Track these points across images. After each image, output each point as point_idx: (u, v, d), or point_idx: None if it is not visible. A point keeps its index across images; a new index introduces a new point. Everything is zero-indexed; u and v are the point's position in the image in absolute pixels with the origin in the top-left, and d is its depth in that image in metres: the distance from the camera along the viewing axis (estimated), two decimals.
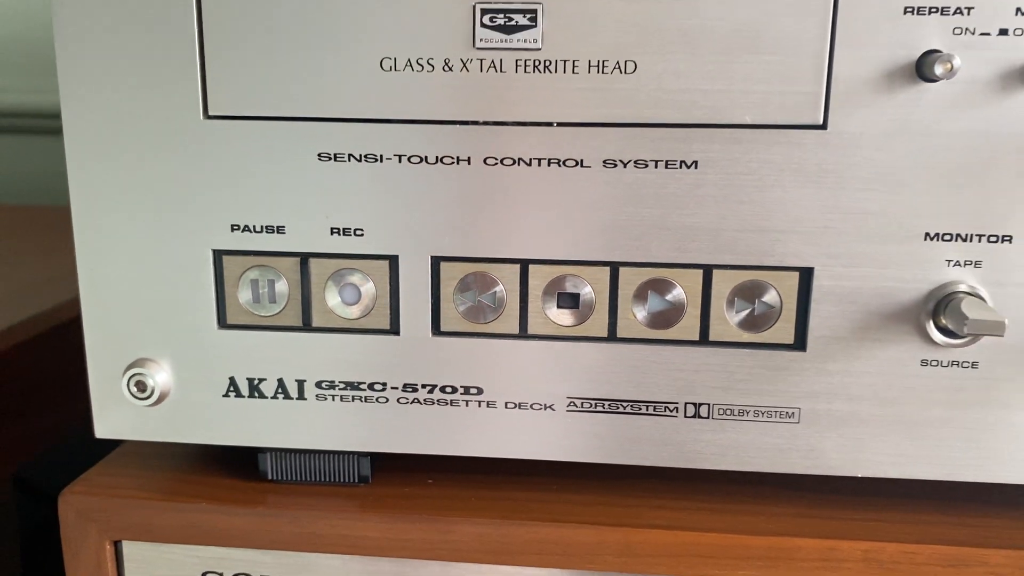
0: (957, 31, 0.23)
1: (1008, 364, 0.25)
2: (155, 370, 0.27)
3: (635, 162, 0.25)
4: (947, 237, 0.25)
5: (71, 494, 0.28)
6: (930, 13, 0.23)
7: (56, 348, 0.45)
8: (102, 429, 0.28)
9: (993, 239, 0.25)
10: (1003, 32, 0.23)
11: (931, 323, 0.25)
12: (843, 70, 0.24)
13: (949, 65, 0.23)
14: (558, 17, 0.24)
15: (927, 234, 0.25)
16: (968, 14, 0.23)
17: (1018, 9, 0.23)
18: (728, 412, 0.26)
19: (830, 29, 0.24)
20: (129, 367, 0.27)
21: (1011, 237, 0.24)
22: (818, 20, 0.24)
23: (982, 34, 0.23)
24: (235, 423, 0.28)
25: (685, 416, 0.27)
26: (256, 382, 0.27)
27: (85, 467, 0.31)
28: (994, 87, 0.24)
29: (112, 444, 0.31)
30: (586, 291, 0.26)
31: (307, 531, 0.28)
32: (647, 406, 0.27)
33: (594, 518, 0.27)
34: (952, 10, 0.23)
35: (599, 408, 0.27)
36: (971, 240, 0.25)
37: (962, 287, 0.25)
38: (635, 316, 0.26)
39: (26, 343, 0.44)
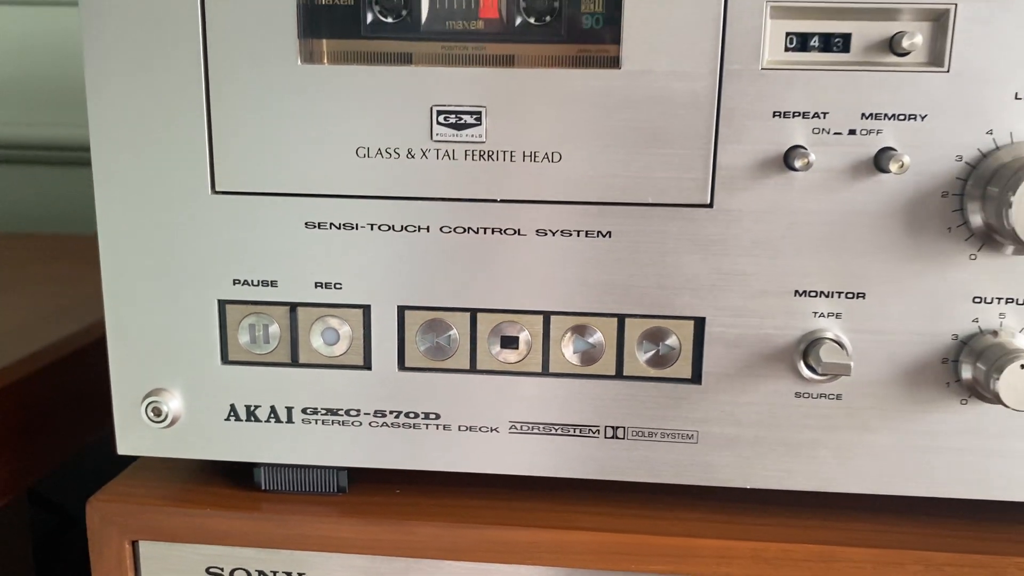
0: (816, 131, 0.29)
1: (867, 396, 0.31)
2: (168, 398, 0.33)
3: (561, 232, 0.31)
4: (813, 294, 0.31)
5: (97, 501, 0.34)
6: (794, 116, 0.29)
7: (66, 376, 0.49)
8: (124, 447, 0.34)
9: (850, 295, 0.30)
10: (852, 132, 0.29)
11: (802, 363, 0.31)
12: (725, 161, 0.30)
13: (807, 160, 0.29)
14: (499, 117, 0.30)
15: (796, 291, 0.31)
16: (824, 117, 0.29)
17: (863, 114, 0.29)
18: (639, 434, 0.32)
19: (715, 129, 0.30)
20: (147, 396, 0.33)
21: (864, 294, 0.30)
22: (705, 122, 0.30)
23: (835, 133, 0.29)
24: (234, 442, 0.34)
25: (605, 437, 0.32)
26: (252, 408, 0.33)
27: (92, 483, 0.36)
28: (847, 175, 0.30)
29: (127, 460, 0.37)
30: (524, 335, 0.32)
31: (294, 533, 0.33)
32: (575, 428, 0.32)
33: (532, 521, 0.33)
34: (811, 114, 0.29)
35: (536, 431, 0.32)
36: (833, 296, 0.31)
37: (828, 334, 0.31)
38: (564, 355, 0.32)
39: (41, 371, 0.47)
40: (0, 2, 0.78)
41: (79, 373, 0.50)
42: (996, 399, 0.28)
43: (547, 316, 0.31)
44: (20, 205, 0.82)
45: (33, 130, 0.80)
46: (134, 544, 0.34)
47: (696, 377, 0.31)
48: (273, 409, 0.33)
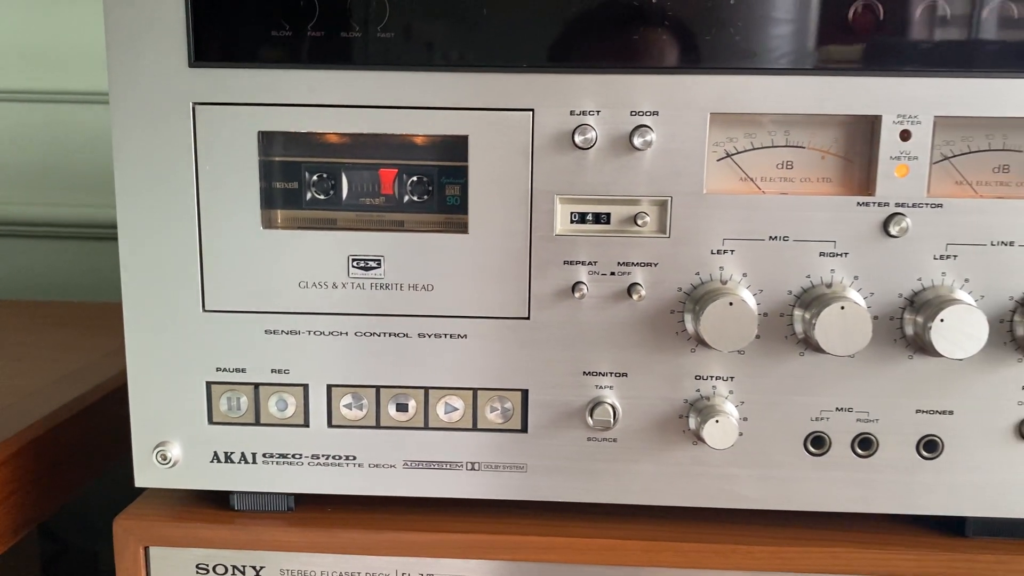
0: (590, 272, 0.46)
1: (633, 439, 0.48)
2: (171, 448, 0.48)
3: (435, 335, 0.47)
4: (596, 373, 0.47)
5: (122, 519, 0.49)
6: (576, 264, 0.46)
7: (74, 431, 0.59)
8: (140, 481, 0.49)
9: (617, 374, 0.47)
10: (612, 273, 0.46)
11: (589, 419, 0.47)
12: (536, 290, 0.46)
13: (583, 291, 0.46)
14: (393, 262, 0.46)
15: (584, 371, 0.47)
16: (595, 264, 0.46)
17: (619, 262, 0.46)
18: (488, 466, 0.48)
19: (528, 271, 0.46)
20: (157, 446, 0.48)
21: (627, 373, 0.47)
22: (523, 266, 0.46)
23: (602, 274, 0.46)
24: (217, 477, 0.49)
25: (466, 469, 0.49)
26: (229, 454, 0.49)
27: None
28: (610, 299, 0.46)
29: (135, 492, 0.52)
30: (411, 402, 0.48)
31: (257, 538, 0.49)
32: (447, 464, 0.48)
33: (418, 527, 0.49)
34: (587, 262, 0.46)
35: (421, 467, 0.49)
36: (607, 375, 0.47)
37: (606, 400, 0.47)
38: (438, 415, 0.48)
39: (54, 429, 0.57)
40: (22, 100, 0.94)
41: (85, 428, 0.63)
42: (702, 440, 0.45)
43: (427, 390, 0.48)
44: (35, 274, 0.98)
45: (37, 209, 0.97)
46: (146, 549, 0.49)
47: (524, 428, 0.48)
48: (243, 454, 0.49)
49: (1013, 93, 0.43)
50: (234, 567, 0.49)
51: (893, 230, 0.44)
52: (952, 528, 0.49)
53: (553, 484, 0.48)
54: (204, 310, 0.47)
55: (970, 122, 0.44)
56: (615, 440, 0.48)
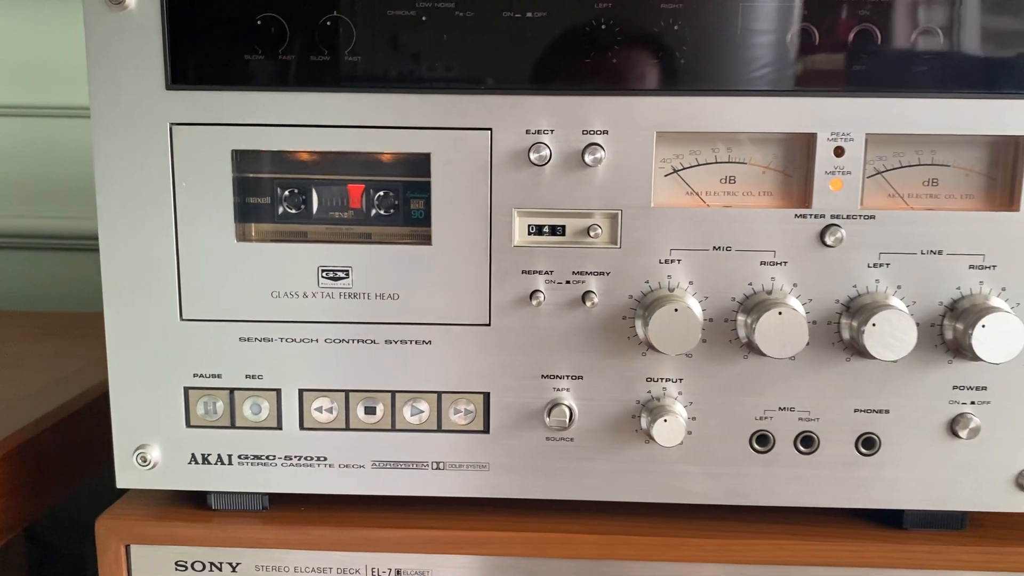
0: (547, 281, 0.49)
1: (589, 439, 0.50)
2: (151, 451, 0.51)
3: (400, 341, 0.50)
4: (553, 376, 0.50)
5: (104, 519, 0.51)
6: (534, 273, 0.49)
7: (61, 436, 0.61)
8: (121, 482, 0.51)
9: (574, 377, 0.50)
10: (568, 281, 0.49)
11: (547, 419, 0.50)
12: (496, 299, 0.49)
13: (541, 299, 0.49)
14: (360, 273, 0.49)
15: (543, 375, 0.50)
16: (552, 273, 0.49)
17: (573, 271, 0.49)
18: (453, 466, 0.51)
19: (488, 280, 0.49)
20: (137, 448, 0.51)
21: (583, 376, 0.50)
22: (484, 276, 0.49)
23: (558, 282, 0.49)
24: (194, 478, 0.52)
25: (432, 469, 0.51)
26: (206, 456, 0.51)
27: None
28: (566, 306, 0.49)
29: (117, 492, 0.55)
30: (379, 406, 0.51)
31: (233, 535, 0.51)
32: (413, 464, 0.51)
33: (396, 523, 0.52)
34: (544, 271, 0.49)
35: (388, 466, 0.51)
36: (564, 378, 0.50)
37: (563, 402, 0.50)
38: (405, 416, 0.51)
39: (42, 434, 0.59)
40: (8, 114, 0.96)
41: (70, 434, 0.65)
42: (653, 439, 0.48)
43: (393, 394, 0.51)
44: (20, 285, 1.00)
45: (20, 221, 0.99)
46: (127, 547, 0.52)
47: (487, 429, 0.51)
48: (219, 456, 0.51)
49: (941, 112, 0.46)
50: (211, 563, 0.52)
51: (829, 240, 0.47)
52: (891, 521, 0.52)
53: (514, 482, 0.51)
54: (181, 319, 0.50)
55: (901, 139, 0.47)
56: (572, 439, 0.51)
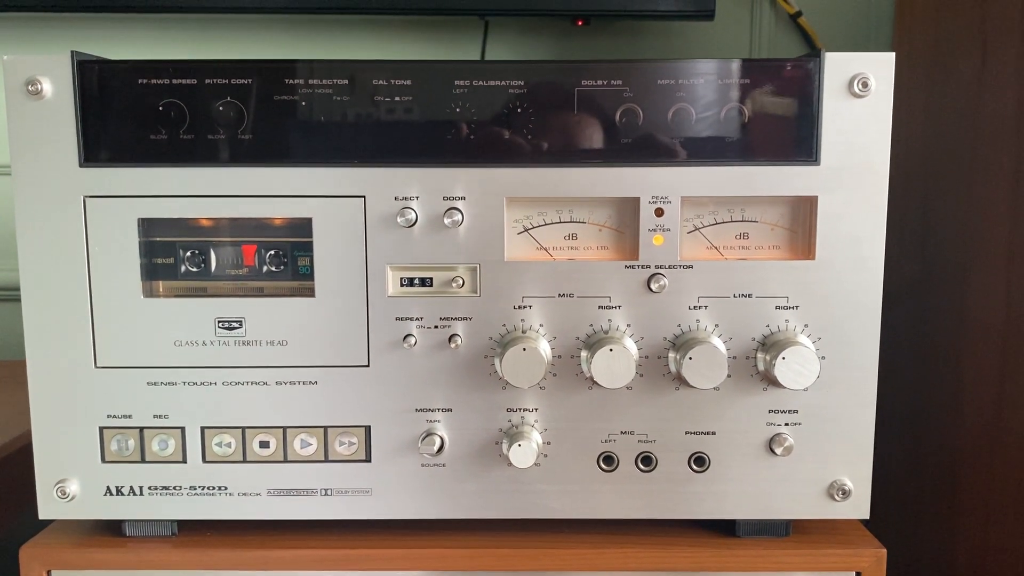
0: (418, 326, 0.56)
1: (461, 463, 0.57)
2: (70, 484, 0.57)
3: (290, 382, 0.57)
4: (426, 409, 0.57)
5: (28, 547, 0.57)
6: (407, 320, 0.56)
7: None
8: (44, 513, 0.58)
9: (444, 409, 0.57)
10: (436, 326, 0.56)
11: (421, 446, 0.57)
12: (375, 342, 0.56)
13: (413, 341, 0.56)
14: (253, 323, 0.56)
15: (417, 408, 0.57)
16: (423, 319, 0.56)
17: (441, 316, 0.56)
18: (339, 491, 0.58)
19: (367, 326, 0.56)
20: (57, 482, 0.57)
21: (452, 409, 0.57)
22: (361, 323, 0.56)
23: (428, 327, 0.56)
24: (109, 508, 0.58)
25: (320, 495, 0.58)
26: (120, 487, 0.58)
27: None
28: (435, 348, 0.57)
29: (43, 523, 0.61)
30: (272, 440, 0.57)
31: (145, 559, 0.58)
32: (304, 491, 0.58)
33: (291, 544, 0.58)
34: (415, 318, 0.56)
35: (282, 493, 0.58)
36: (436, 411, 0.57)
37: (437, 432, 0.57)
38: (295, 449, 0.58)
39: None
40: None
41: (2, 476, 0.71)
42: (511, 462, 0.55)
43: (285, 429, 0.57)
44: None
45: None
46: (48, 573, 0.58)
47: (368, 458, 0.58)
48: (132, 487, 0.58)
49: (746, 178, 0.55)
50: None
51: (654, 287, 0.55)
52: (727, 530, 0.59)
53: (394, 504, 0.58)
54: (96, 366, 0.57)
55: (713, 200, 0.56)
56: (444, 465, 0.58)
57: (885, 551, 0.57)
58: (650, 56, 0.53)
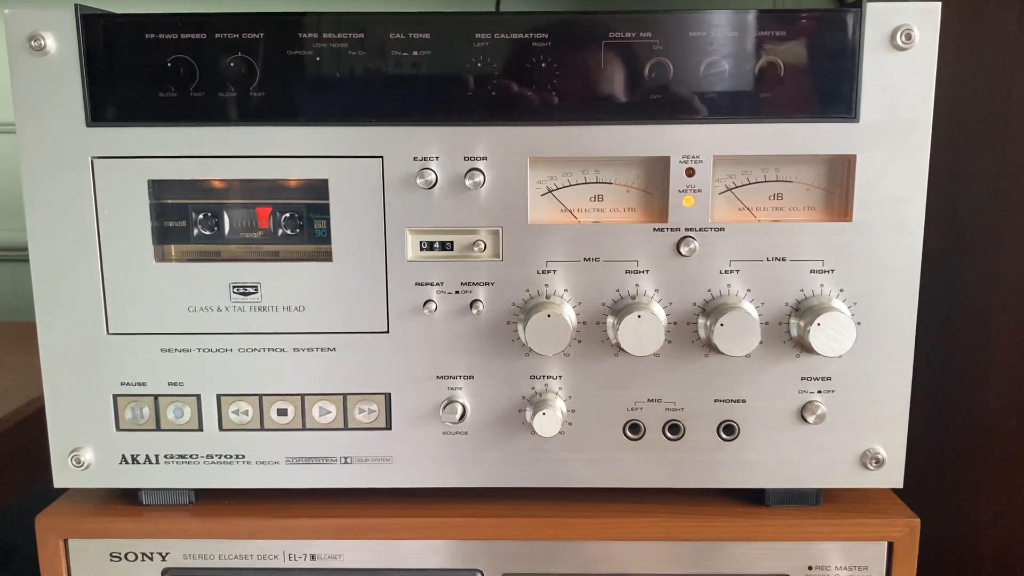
0: (439, 291, 0.54)
1: (482, 431, 0.56)
2: (85, 452, 0.56)
3: (308, 349, 0.55)
4: (448, 376, 0.55)
5: (43, 516, 0.56)
6: (427, 284, 0.54)
7: (9, 443, 0.67)
8: (59, 482, 0.57)
9: (466, 377, 0.55)
10: (457, 292, 0.55)
11: (442, 414, 0.56)
12: (393, 307, 0.55)
13: (434, 307, 0.54)
14: (268, 287, 0.54)
15: (438, 375, 0.55)
16: (443, 284, 0.54)
17: (462, 282, 0.54)
18: (360, 460, 0.56)
19: (386, 290, 0.55)
20: (72, 451, 0.56)
21: (474, 376, 0.55)
22: (380, 286, 0.54)
23: (449, 292, 0.55)
24: (125, 476, 0.57)
25: (340, 463, 0.57)
26: (135, 456, 0.57)
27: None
28: (457, 313, 0.55)
29: (57, 492, 0.60)
30: (291, 407, 0.56)
31: (162, 528, 0.57)
32: (324, 459, 0.57)
33: (310, 513, 0.57)
34: (436, 283, 0.54)
35: (300, 462, 0.57)
36: (457, 378, 0.56)
37: (458, 399, 0.56)
38: (314, 417, 0.56)
39: None
40: None
41: (18, 440, 0.70)
42: (534, 431, 0.54)
43: (303, 397, 0.56)
44: None
45: None
46: (65, 542, 0.57)
47: (389, 426, 0.56)
48: (147, 456, 0.57)
49: (781, 135, 0.52)
50: (143, 554, 0.57)
51: (684, 250, 0.53)
52: (756, 499, 0.58)
53: (414, 473, 0.57)
54: (108, 333, 0.55)
55: (746, 159, 0.53)
56: (466, 433, 0.56)
57: (919, 521, 0.56)
58: (679, 6, 0.50)
